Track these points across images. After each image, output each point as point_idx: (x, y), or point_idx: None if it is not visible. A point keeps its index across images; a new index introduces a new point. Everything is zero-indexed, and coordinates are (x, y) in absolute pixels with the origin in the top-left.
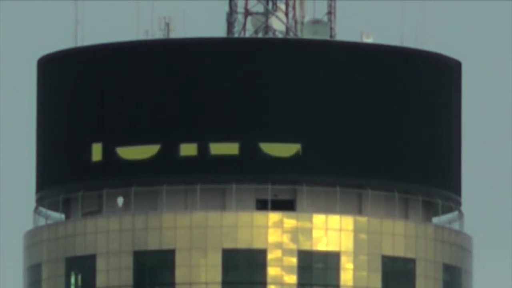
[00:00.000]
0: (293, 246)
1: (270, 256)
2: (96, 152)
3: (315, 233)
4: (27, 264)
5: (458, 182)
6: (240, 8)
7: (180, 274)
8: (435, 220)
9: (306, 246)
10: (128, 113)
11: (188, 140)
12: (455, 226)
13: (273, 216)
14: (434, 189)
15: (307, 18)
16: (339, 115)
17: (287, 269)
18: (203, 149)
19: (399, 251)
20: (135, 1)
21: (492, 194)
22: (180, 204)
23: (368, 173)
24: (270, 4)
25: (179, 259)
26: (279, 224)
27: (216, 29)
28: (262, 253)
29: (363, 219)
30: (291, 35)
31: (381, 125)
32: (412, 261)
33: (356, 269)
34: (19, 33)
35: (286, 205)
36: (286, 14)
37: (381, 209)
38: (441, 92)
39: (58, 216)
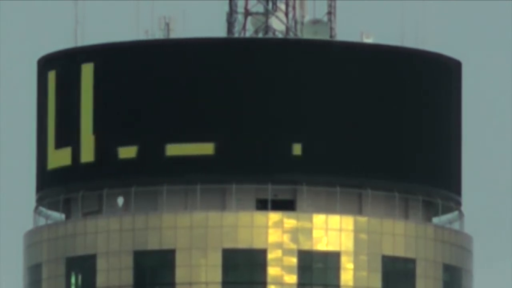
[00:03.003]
0: (293, 246)
1: (270, 256)
2: (96, 152)
3: (315, 233)
4: (27, 264)
5: (458, 182)
6: (240, 8)
7: (180, 274)
8: (435, 220)
9: (306, 246)
10: (127, 113)
11: (187, 139)
12: (455, 226)
13: (273, 216)
14: (434, 189)
15: (307, 18)
16: (339, 115)
17: (287, 269)
18: (202, 149)
19: (399, 251)
20: (135, 1)
21: (492, 194)
22: (180, 204)
23: (368, 173)
24: (270, 4)
25: (179, 259)
26: (279, 224)
27: (216, 29)
28: (262, 253)
29: (363, 219)
30: (291, 35)
31: (381, 125)
32: (412, 261)
33: (356, 269)
34: (19, 33)
35: (286, 205)
36: (286, 14)
37: (381, 209)
38: (441, 92)
39: (58, 216)
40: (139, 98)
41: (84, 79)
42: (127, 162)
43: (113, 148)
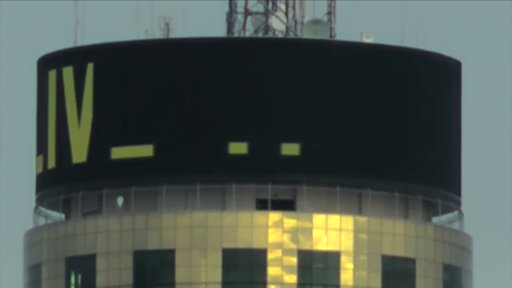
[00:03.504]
0: (293, 246)
1: (270, 256)
2: (96, 151)
3: (315, 233)
4: (27, 264)
5: (458, 182)
6: (240, 8)
7: (180, 274)
8: (435, 220)
9: (306, 246)
10: (127, 112)
11: (188, 140)
12: (455, 226)
13: (273, 216)
14: (434, 189)
15: (307, 18)
16: (339, 115)
17: (287, 269)
18: (202, 149)
19: (399, 251)
20: (135, 1)
21: (492, 194)
22: (180, 204)
23: (368, 173)
24: (270, 4)
25: (179, 259)
26: (279, 224)
27: (216, 29)
28: (262, 253)
29: (363, 219)
30: (291, 35)
31: (381, 125)
32: (412, 261)
33: (356, 269)
34: (19, 33)
35: (286, 205)
36: (286, 14)
37: (381, 209)
38: (441, 92)
39: (58, 216)
40: (139, 98)
41: (86, 78)
42: (128, 162)
43: (113, 148)
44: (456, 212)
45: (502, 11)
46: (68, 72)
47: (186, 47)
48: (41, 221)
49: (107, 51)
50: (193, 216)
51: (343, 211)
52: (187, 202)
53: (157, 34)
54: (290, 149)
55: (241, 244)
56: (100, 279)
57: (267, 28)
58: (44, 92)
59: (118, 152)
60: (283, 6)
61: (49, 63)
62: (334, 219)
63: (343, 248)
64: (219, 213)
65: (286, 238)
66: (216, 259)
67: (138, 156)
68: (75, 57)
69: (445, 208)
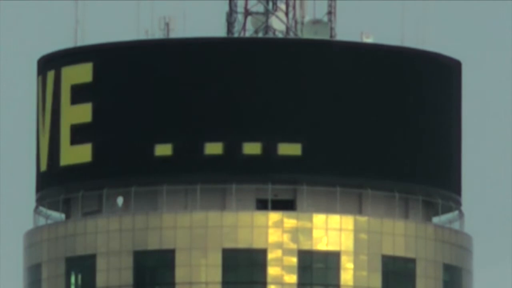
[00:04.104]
0: (293, 246)
1: (270, 256)
2: (96, 151)
3: (315, 233)
4: (27, 264)
5: (458, 182)
6: (240, 8)
7: (180, 274)
8: (435, 220)
9: (306, 246)
10: (127, 112)
11: (187, 140)
12: (455, 226)
13: (273, 216)
14: (434, 189)
15: (307, 18)
16: (339, 115)
17: (287, 269)
18: (202, 149)
19: (399, 251)
20: (135, 1)
21: (492, 194)
22: (180, 204)
23: (368, 173)
24: (270, 4)
25: (179, 259)
26: (279, 224)
27: (216, 29)
28: (262, 253)
29: (363, 219)
30: (291, 35)
31: (381, 125)
32: (412, 261)
33: (356, 269)
34: (19, 33)
35: (286, 205)
36: (286, 14)
37: (381, 209)
38: (441, 92)
39: (58, 216)
40: (139, 97)
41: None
42: (128, 162)
43: (113, 148)
44: (456, 212)
45: (502, 11)
46: (65, 73)
47: (186, 47)
48: (41, 221)
49: (107, 51)
50: (193, 216)
51: (343, 211)
52: (187, 202)
53: (157, 34)
54: (291, 149)
55: (241, 244)
56: (100, 279)
57: (267, 28)
58: (43, 92)
59: (124, 152)
60: (283, 6)
61: (49, 63)
62: (334, 219)
63: (343, 248)
64: (219, 213)
65: (286, 238)
66: (216, 259)
67: (141, 157)
68: (75, 57)
69: (445, 208)
